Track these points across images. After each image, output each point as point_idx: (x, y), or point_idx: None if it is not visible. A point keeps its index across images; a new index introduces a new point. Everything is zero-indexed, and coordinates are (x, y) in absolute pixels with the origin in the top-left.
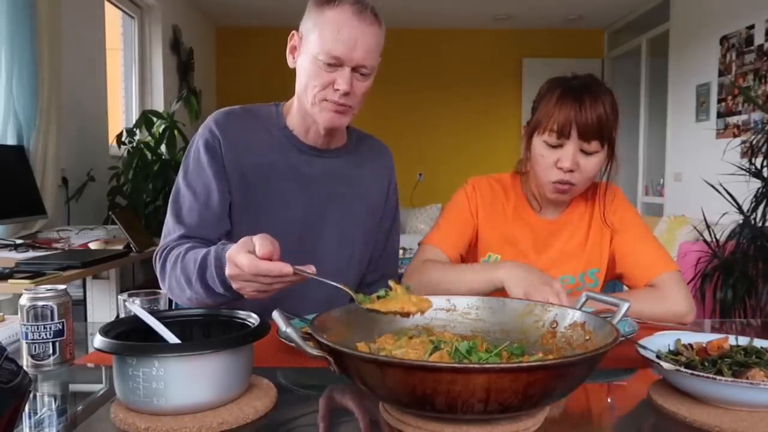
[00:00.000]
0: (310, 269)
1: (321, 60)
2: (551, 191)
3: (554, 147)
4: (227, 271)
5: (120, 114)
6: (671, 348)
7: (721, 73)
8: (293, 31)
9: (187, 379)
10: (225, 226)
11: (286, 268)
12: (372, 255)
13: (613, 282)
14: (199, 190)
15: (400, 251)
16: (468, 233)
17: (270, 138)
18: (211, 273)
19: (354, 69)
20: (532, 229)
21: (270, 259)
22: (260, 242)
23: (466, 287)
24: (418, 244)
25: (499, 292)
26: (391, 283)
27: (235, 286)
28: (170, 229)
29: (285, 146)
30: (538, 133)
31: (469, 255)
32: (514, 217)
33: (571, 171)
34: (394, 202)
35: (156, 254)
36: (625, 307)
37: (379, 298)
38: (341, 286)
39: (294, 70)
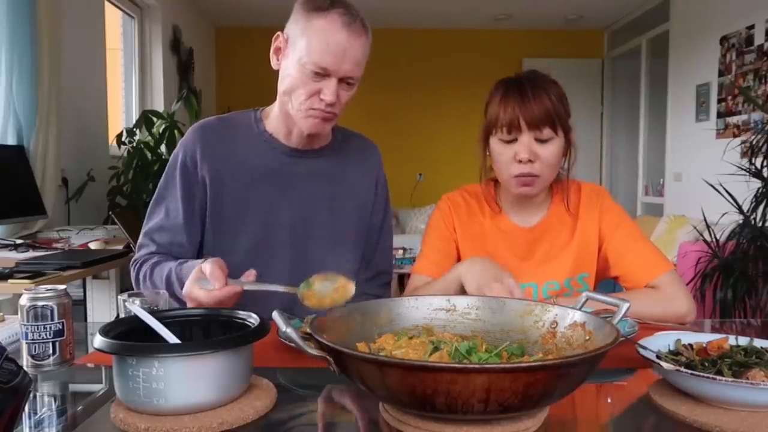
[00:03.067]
0: (251, 276)
1: (308, 69)
2: (516, 186)
3: (509, 142)
4: (189, 305)
5: (120, 114)
6: (671, 348)
7: (721, 73)
8: (278, 33)
9: (187, 379)
10: (195, 238)
11: (236, 288)
12: (365, 253)
13: (613, 282)
14: (171, 208)
15: (401, 251)
16: (452, 252)
17: (249, 145)
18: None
19: (341, 79)
20: (511, 238)
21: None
22: (211, 273)
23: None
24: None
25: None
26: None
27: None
28: (142, 243)
29: (265, 150)
30: (492, 134)
31: None
32: (491, 228)
33: (530, 162)
34: (384, 199)
35: (131, 264)
36: (625, 307)
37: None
38: (283, 289)
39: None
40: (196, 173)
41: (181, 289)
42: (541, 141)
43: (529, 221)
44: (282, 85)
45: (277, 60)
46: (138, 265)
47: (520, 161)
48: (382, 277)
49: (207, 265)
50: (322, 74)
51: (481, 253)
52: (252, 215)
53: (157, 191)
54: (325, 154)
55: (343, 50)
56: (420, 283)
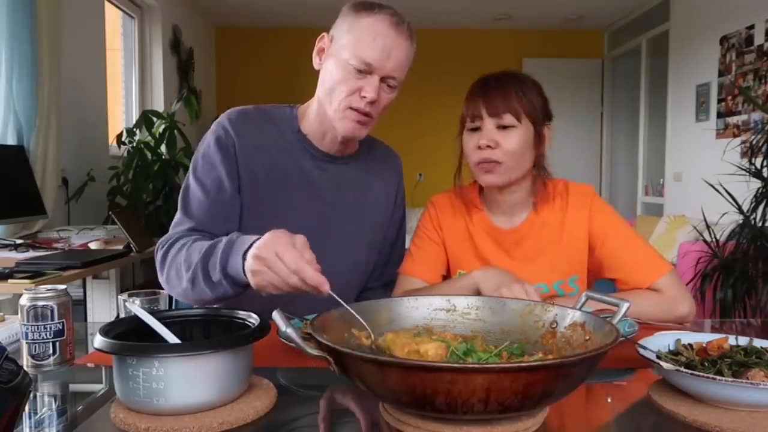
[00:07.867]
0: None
1: (352, 65)
2: (480, 174)
3: (474, 131)
4: (257, 252)
5: (120, 114)
6: (671, 348)
7: (721, 73)
8: (323, 33)
9: (187, 379)
10: (234, 224)
11: (325, 286)
12: (376, 263)
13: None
14: (209, 185)
15: None
16: (440, 253)
17: (283, 141)
18: (215, 259)
19: (382, 79)
20: (496, 240)
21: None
22: (307, 247)
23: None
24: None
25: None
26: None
27: (255, 268)
28: (178, 221)
29: (298, 150)
30: (464, 129)
31: (447, 274)
32: (477, 230)
33: (490, 148)
34: (402, 212)
35: (159, 244)
36: (625, 307)
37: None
38: (362, 321)
39: (297, 71)
40: (234, 154)
41: (224, 255)
42: (503, 128)
43: (512, 222)
44: (322, 86)
45: (320, 60)
46: (172, 239)
47: (480, 147)
48: (391, 286)
49: (300, 237)
50: (364, 71)
51: (471, 254)
52: (275, 213)
53: (186, 180)
54: (351, 162)
55: (389, 48)
56: (409, 286)
